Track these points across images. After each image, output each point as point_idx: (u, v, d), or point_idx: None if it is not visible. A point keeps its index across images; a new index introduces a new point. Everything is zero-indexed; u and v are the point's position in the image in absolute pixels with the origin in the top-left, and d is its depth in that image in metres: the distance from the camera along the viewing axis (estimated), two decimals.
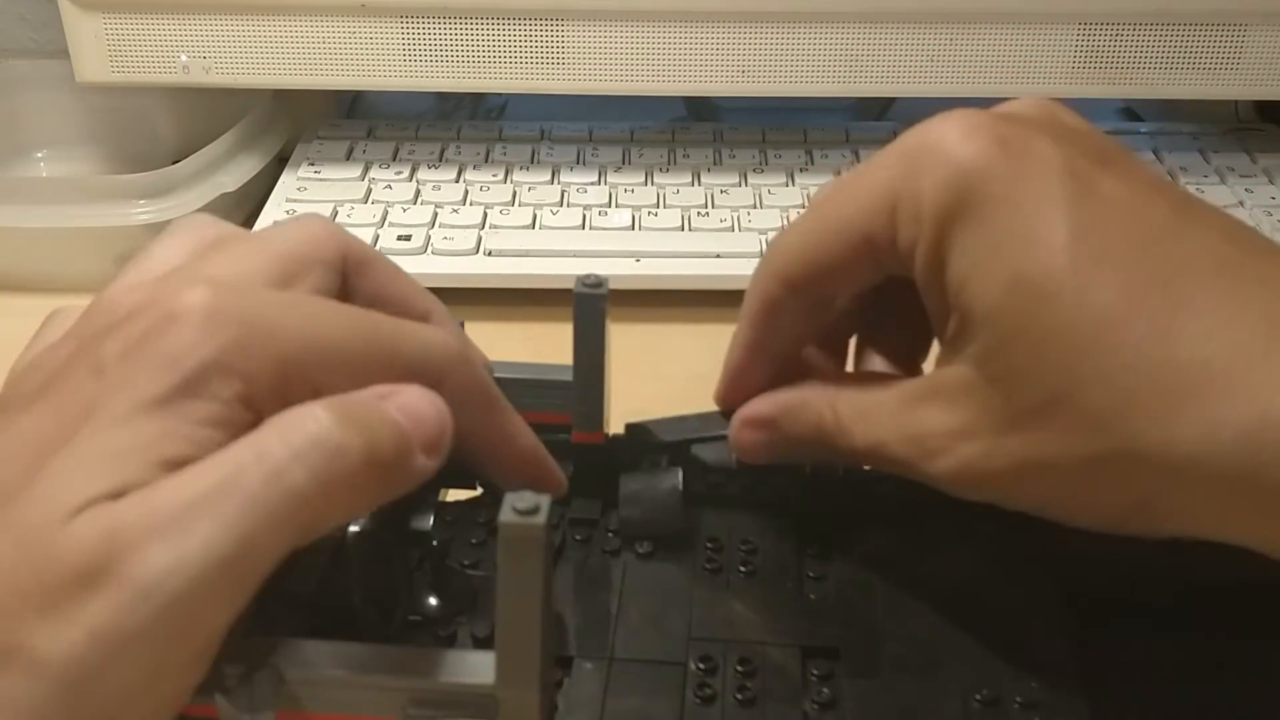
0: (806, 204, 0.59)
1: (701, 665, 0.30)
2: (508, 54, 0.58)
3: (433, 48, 0.58)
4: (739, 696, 0.29)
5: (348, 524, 0.30)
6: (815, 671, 0.30)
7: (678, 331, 0.54)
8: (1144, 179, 0.27)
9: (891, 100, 0.72)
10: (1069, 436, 0.26)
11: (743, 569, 0.33)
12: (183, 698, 0.24)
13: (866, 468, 0.34)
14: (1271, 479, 0.24)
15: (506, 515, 0.24)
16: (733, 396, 0.33)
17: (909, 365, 0.34)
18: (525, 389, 0.35)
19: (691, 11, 0.57)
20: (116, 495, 0.22)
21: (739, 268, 0.55)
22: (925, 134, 0.28)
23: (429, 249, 0.55)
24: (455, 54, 0.58)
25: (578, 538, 0.34)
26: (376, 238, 0.56)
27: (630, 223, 0.58)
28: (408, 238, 0.56)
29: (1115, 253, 0.26)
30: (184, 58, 0.58)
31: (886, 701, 0.29)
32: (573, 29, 0.58)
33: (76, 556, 0.22)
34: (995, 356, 0.27)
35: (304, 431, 0.23)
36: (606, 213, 0.58)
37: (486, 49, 0.58)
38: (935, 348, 0.32)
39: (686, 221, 0.58)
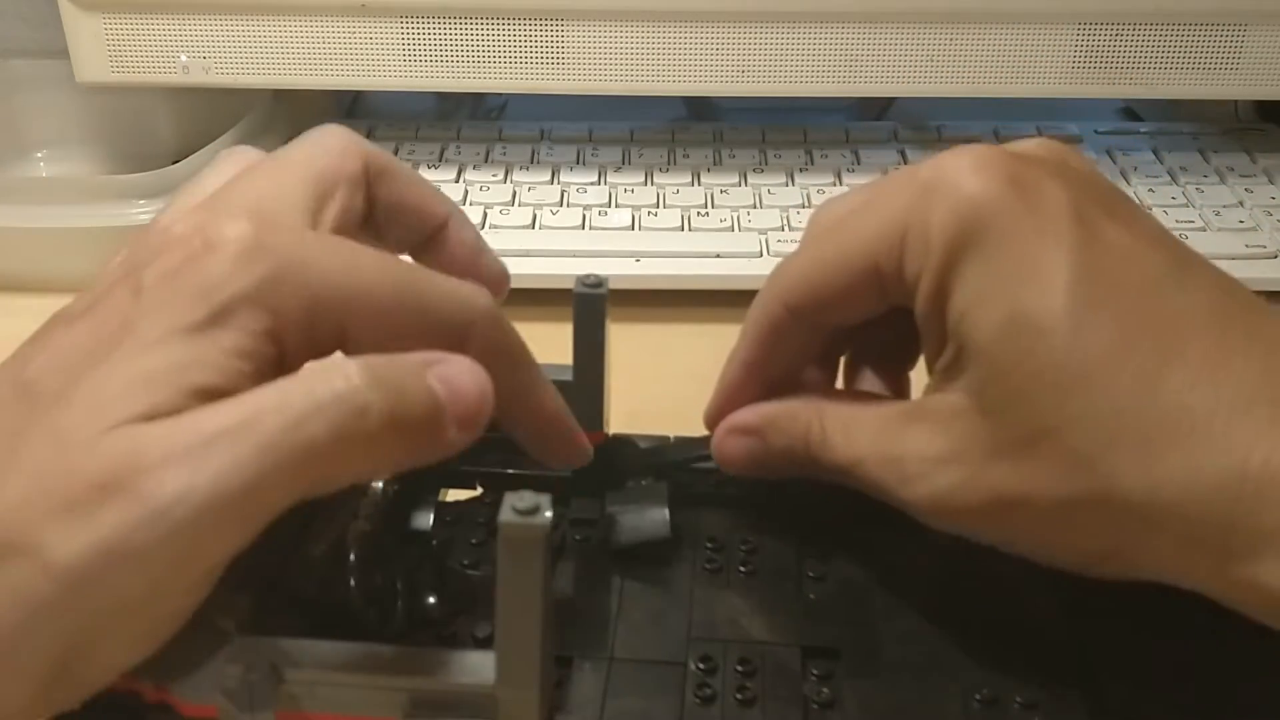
0: (807, 204, 0.59)
1: (701, 665, 0.30)
2: (508, 54, 0.58)
3: (433, 48, 0.58)
4: (739, 696, 0.29)
5: (350, 522, 0.30)
6: (815, 671, 0.30)
7: (678, 331, 0.54)
8: (1146, 229, 0.28)
9: (891, 100, 0.72)
10: (1051, 473, 0.26)
11: (743, 569, 0.33)
12: (170, 624, 0.25)
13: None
14: (1244, 528, 0.25)
15: (506, 515, 0.24)
16: (724, 414, 0.33)
17: (895, 389, 0.35)
18: None
19: (691, 11, 0.57)
20: (145, 419, 0.23)
21: (739, 268, 0.55)
22: (939, 166, 0.28)
23: None
24: (455, 54, 0.58)
25: (578, 538, 0.34)
26: None
27: (630, 223, 0.58)
28: None
29: (1113, 298, 0.26)
30: (184, 58, 0.58)
31: (887, 701, 0.29)
32: (573, 29, 0.58)
33: (100, 469, 0.23)
34: (987, 387, 0.27)
35: (331, 386, 0.24)
36: (606, 213, 0.58)
37: (486, 49, 0.58)
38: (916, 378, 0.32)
39: (686, 221, 0.58)
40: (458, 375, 0.26)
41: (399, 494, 0.32)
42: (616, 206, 0.59)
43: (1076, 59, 0.58)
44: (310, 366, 0.25)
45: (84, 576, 0.23)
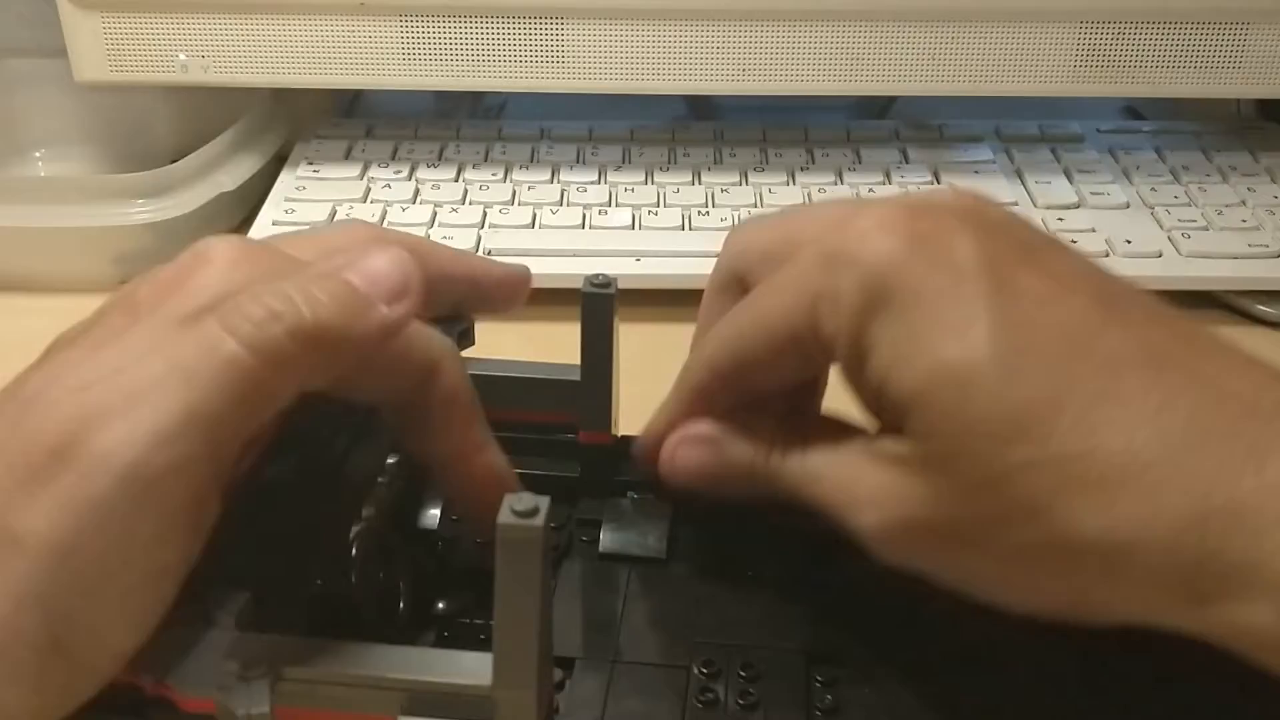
0: (808, 203, 0.59)
1: (704, 670, 0.30)
2: (508, 54, 0.58)
3: (433, 47, 0.58)
4: (741, 702, 0.29)
5: (355, 518, 0.30)
6: (819, 678, 0.30)
7: (678, 331, 0.53)
8: (1068, 272, 0.27)
9: (892, 99, 0.71)
10: (1002, 522, 0.26)
11: (751, 572, 0.33)
12: (160, 590, 0.25)
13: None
14: (1212, 568, 0.24)
15: (504, 516, 0.23)
16: (657, 440, 0.33)
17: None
18: (532, 388, 0.35)
19: (692, 11, 0.57)
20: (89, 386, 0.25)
21: None
22: (843, 232, 0.28)
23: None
24: (455, 54, 0.58)
25: (584, 539, 0.34)
26: None
27: (630, 222, 0.57)
28: None
29: (1038, 343, 0.26)
30: (182, 57, 0.58)
31: (892, 710, 0.29)
32: (573, 29, 0.57)
33: (50, 436, 0.24)
34: (926, 440, 0.27)
35: (239, 309, 0.25)
36: (606, 212, 0.58)
37: (486, 49, 0.58)
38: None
39: (687, 221, 0.57)
40: (371, 262, 0.27)
41: (406, 491, 0.32)
42: (617, 206, 0.59)
43: (1079, 58, 0.58)
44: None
45: (58, 545, 0.23)
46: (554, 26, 0.57)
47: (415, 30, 0.58)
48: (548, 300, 0.53)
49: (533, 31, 0.57)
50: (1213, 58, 0.58)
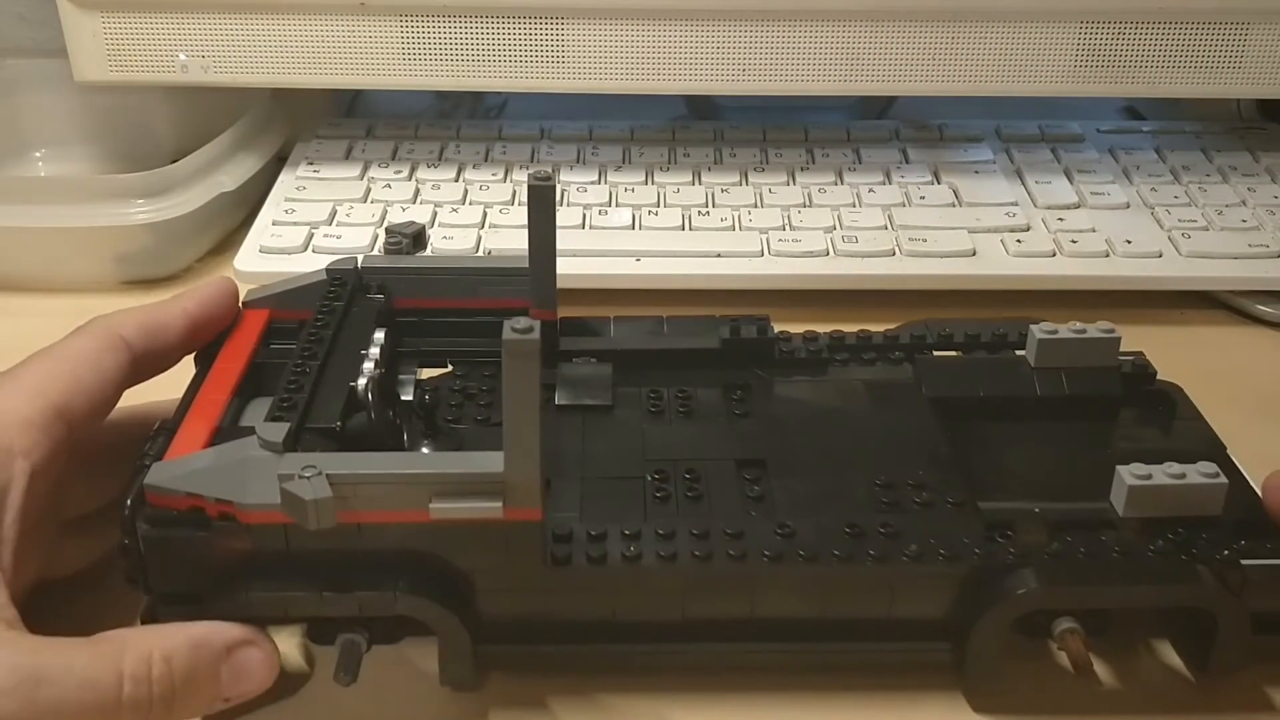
0: (808, 203, 0.59)
1: (657, 476, 0.37)
2: (508, 54, 0.58)
3: (433, 47, 0.58)
4: (689, 494, 0.37)
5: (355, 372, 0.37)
6: (747, 475, 0.38)
7: None
8: None
9: (892, 99, 0.71)
10: None
11: (681, 409, 0.41)
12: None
13: (779, 330, 0.43)
14: None
15: (508, 334, 0.28)
16: None
17: None
18: (486, 278, 0.42)
19: (692, 10, 0.57)
20: None
21: (740, 267, 0.54)
22: None
23: (429, 248, 0.55)
24: (455, 54, 0.58)
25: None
26: (375, 237, 0.56)
27: (630, 222, 0.57)
28: None
29: None
30: (183, 57, 0.58)
31: (806, 491, 0.37)
32: (573, 29, 0.57)
33: None
34: None
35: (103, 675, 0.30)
36: (607, 212, 0.58)
37: (486, 49, 0.58)
38: None
39: (687, 220, 0.57)
40: (249, 665, 0.32)
41: (385, 376, 0.38)
42: (617, 206, 0.59)
43: (1079, 58, 0.58)
44: (112, 641, 0.30)
45: None
46: (554, 26, 0.57)
47: (415, 30, 0.58)
48: None
49: (533, 31, 0.57)
50: (1213, 58, 0.58)
